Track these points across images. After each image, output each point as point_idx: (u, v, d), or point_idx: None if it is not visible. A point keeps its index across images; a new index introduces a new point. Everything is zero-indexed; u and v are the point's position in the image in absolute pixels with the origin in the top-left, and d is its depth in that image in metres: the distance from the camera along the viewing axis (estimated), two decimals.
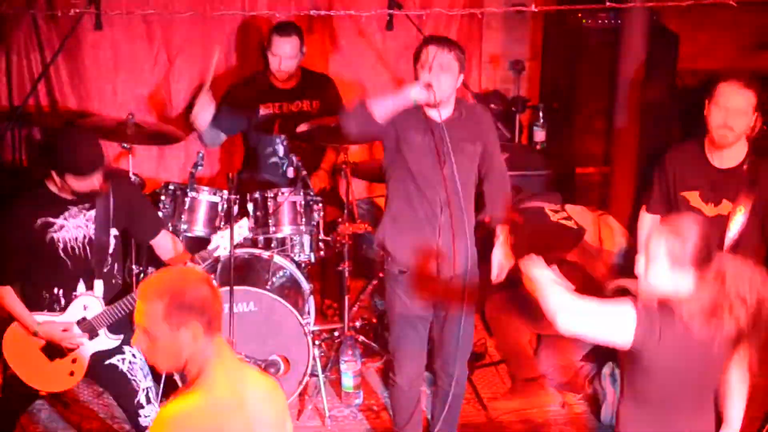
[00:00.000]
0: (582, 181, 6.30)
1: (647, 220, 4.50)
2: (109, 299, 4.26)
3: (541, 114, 6.56)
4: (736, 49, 6.45)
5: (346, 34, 6.28)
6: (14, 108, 5.84)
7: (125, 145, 5.18)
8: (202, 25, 6.02)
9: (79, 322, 4.22)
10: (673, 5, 4.50)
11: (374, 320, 5.55)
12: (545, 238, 5.38)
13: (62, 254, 4.17)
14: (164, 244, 4.51)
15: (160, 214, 4.88)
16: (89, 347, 4.24)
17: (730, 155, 4.26)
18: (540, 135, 6.57)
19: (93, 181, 4.06)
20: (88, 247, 4.20)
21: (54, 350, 4.22)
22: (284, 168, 5.48)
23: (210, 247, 4.40)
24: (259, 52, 5.73)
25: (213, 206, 5.02)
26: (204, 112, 5.42)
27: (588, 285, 5.19)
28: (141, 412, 4.24)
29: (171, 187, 5.05)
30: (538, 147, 6.57)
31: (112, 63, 6.03)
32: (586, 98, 6.30)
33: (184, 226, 4.96)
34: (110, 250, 4.27)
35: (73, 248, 4.18)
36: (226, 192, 4.96)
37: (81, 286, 4.21)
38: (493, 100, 6.56)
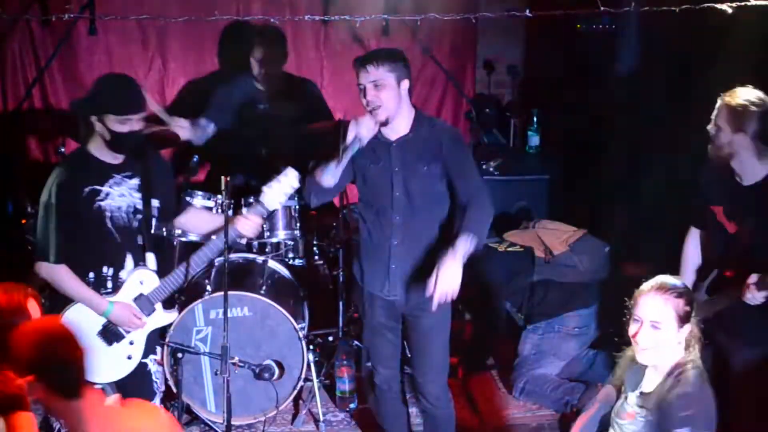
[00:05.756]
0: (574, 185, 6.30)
1: (693, 233, 4.44)
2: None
3: (535, 119, 6.56)
4: None
5: (341, 40, 6.28)
6: (8, 112, 5.84)
7: None
8: (197, 30, 6.02)
9: (135, 299, 4.00)
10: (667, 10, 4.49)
11: None
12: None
13: (110, 225, 3.93)
14: (195, 216, 4.38)
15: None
16: (148, 326, 4.04)
17: (753, 170, 4.10)
18: (534, 139, 6.58)
19: (133, 123, 3.84)
20: (133, 218, 4.00)
21: (111, 333, 3.99)
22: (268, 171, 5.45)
23: (261, 198, 4.09)
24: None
25: (207, 211, 5.00)
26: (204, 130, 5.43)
27: None
28: None
29: None
30: (532, 151, 6.58)
31: (106, 68, 6.01)
32: (581, 102, 6.30)
33: (178, 231, 4.95)
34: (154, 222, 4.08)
35: (119, 218, 3.96)
36: (220, 197, 4.96)
37: (129, 262, 4.00)
38: (487, 104, 6.56)
